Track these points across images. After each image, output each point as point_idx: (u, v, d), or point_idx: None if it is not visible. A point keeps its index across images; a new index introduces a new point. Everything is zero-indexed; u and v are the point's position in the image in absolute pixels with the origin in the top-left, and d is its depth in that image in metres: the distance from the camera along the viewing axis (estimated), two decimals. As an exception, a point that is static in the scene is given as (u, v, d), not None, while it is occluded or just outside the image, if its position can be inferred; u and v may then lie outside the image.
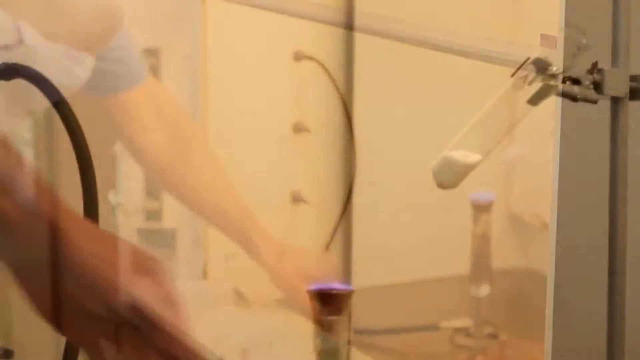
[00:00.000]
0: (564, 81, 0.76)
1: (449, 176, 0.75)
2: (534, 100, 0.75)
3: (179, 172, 1.29)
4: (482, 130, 0.74)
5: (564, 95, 0.76)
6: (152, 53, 1.50)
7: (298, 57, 1.64)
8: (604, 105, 0.79)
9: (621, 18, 0.81)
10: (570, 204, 0.96)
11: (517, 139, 1.43)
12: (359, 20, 1.07)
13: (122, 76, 1.16)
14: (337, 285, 0.82)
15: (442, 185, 0.77)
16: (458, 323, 1.34)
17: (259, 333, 1.39)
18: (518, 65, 0.75)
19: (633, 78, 0.79)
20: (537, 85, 0.75)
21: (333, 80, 1.48)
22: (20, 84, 0.65)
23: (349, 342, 0.85)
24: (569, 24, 0.75)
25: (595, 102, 0.78)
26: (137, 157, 1.24)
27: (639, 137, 0.81)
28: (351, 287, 0.82)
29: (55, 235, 0.53)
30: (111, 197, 1.39)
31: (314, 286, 0.83)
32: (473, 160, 0.74)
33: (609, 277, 0.77)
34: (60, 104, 0.68)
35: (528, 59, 0.76)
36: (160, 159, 1.27)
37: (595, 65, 0.78)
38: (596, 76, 0.78)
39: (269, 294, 1.53)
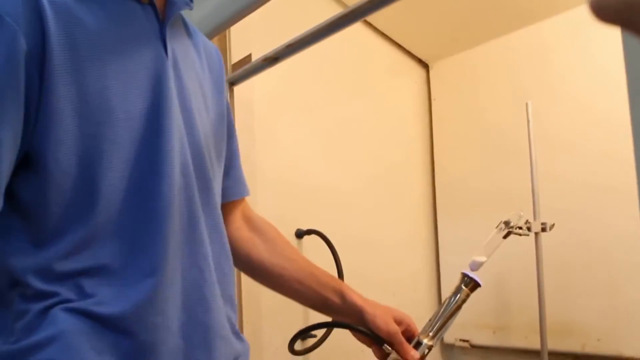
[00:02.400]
0: (516, 228, 2.03)
1: (475, 267, 2.01)
2: (505, 236, 2.02)
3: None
4: (487, 247, 2.01)
5: (515, 233, 2.04)
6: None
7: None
8: (532, 236, 2.07)
9: (537, 200, 2.10)
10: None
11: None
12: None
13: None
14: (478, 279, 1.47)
15: (471, 270, 2.02)
16: None
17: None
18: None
19: (542, 224, 2.08)
20: (505, 231, 2.02)
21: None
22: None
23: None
24: (516, 211, 2.03)
25: (527, 235, 2.06)
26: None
27: (546, 247, 2.09)
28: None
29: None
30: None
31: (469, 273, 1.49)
32: (484, 260, 2.00)
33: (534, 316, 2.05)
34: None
35: (502, 221, 2.03)
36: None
37: (527, 220, 2.06)
38: (528, 224, 2.06)
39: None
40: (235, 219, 1.36)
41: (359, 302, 1.38)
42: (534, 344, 2.21)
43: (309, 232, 2.40)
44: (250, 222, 1.40)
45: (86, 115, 0.95)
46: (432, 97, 2.80)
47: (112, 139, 0.97)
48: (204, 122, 1.13)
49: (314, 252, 2.38)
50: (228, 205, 1.32)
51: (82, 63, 0.95)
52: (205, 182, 1.10)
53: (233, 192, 1.33)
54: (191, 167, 1.06)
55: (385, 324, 1.37)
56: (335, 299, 1.38)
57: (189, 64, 1.13)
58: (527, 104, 2.15)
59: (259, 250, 1.38)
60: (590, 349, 2.29)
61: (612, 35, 2.24)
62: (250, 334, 2.27)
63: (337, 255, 2.32)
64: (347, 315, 1.39)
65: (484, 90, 2.61)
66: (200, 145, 1.09)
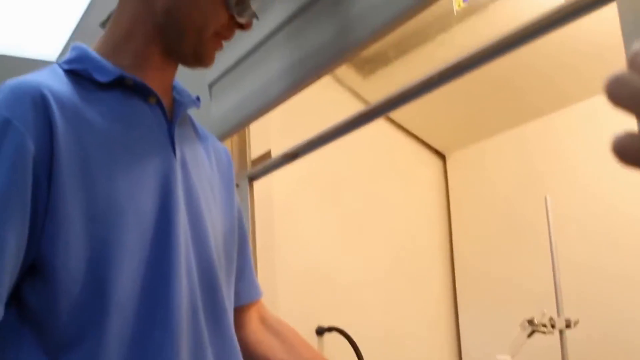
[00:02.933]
0: (540, 326, 2.00)
1: (501, 364, 1.97)
2: (529, 335, 1.99)
3: None
4: (512, 347, 1.97)
5: (540, 332, 2.00)
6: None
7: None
8: (556, 333, 2.04)
9: (560, 296, 2.07)
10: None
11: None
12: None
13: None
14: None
15: (499, 368, 1.99)
16: None
17: None
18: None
19: (566, 320, 2.04)
20: (529, 329, 1.99)
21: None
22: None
23: None
24: (540, 309, 2.00)
25: (552, 333, 2.03)
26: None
27: (571, 343, 2.05)
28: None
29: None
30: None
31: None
32: (508, 358, 1.96)
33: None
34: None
35: (525, 319, 2.00)
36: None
37: (550, 317, 2.03)
38: (552, 321, 2.02)
39: None
40: (250, 321, 1.33)
41: None
42: None
43: (330, 329, 2.37)
44: (266, 323, 1.37)
45: (95, 218, 0.95)
46: (450, 188, 2.81)
47: (122, 242, 0.96)
48: (215, 224, 1.13)
49: (336, 350, 2.34)
50: (242, 309, 1.30)
51: (90, 165, 0.96)
52: (211, 287, 1.08)
53: (246, 295, 1.30)
54: (195, 274, 1.05)
55: None
56: None
57: (198, 164, 1.13)
58: (545, 198, 2.14)
59: (276, 352, 1.34)
60: None
61: (626, 123, 2.24)
62: None
63: (360, 353, 2.29)
64: None
65: (501, 181, 2.62)
66: (208, 250, 1.09)
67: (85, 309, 0.94)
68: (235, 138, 2.26)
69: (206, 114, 2.04)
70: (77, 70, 1.04)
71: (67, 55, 1.08)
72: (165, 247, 1.00)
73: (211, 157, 1.21)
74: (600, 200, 2.30)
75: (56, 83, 1.00)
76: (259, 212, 2.30)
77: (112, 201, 0.97)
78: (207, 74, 2.07)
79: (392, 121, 2.76)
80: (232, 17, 1.12)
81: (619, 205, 2.25)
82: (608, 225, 2.27)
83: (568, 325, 2.06)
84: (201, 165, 1.15)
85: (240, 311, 1.29)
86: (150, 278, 0.98)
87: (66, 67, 1.05)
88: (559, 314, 2.07)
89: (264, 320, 1.37)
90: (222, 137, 2.06)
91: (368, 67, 2.50)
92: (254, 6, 1.14)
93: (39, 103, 0.95)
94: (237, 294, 1.25)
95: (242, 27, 1.15)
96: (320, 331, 2.38)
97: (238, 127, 2.06)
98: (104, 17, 2.87)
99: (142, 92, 1.07)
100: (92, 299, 0.94)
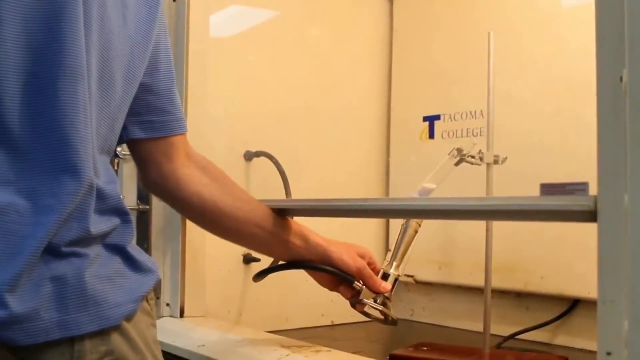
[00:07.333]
0: (469, 156, 1.98)
1: (424, 193, 1.95)
2: (457, 164, 1.97)
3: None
4: (437, 175, 1.95)
5: (467, 161, 1.99)
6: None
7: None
8: (484, 168, 2.03)
9: (492, 132, 2.04)
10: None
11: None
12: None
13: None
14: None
15: (420, 195, 1.97)
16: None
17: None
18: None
19: (495, 156, 2.03)
20: (457, 158, 1.97)
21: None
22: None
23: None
24: (470, 139, 1.98)
25: (479, 164, 2.01)
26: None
27: (498, 182, 2.05)
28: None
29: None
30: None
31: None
32: (433, 187, 1.95)
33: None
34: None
35: (454, 148, 1.98)
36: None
37: (480, 150, 2.01)
38: (481, 154, 2.01)
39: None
40: (177, 155, 1.23)
41: (322, 242, 1.34)
42: (479, 281, 2.17)
43: (258, 154, 2.33)
44: (192, 159, 1.27)
45: None
46: (394, 29, 2.73)
47: None
48: (115, 32, 1.02)
49: (263, 174, 2.32)
50: (168, 141, 1.21)
51: None
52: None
53: (173, 126, 1.20)
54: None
55: (353, 260, 1.33)
56: (297, 241, 1.33)
57: None
58: (489, 34, 2.08)
59: (210, 190, 1.25)
60: (533, 287, 2.27)
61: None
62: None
63: (286, 177, 2.25)
64: (310, 258, 1.33)
65: (446, 19, 2.56)
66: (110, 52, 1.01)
67: None
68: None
69: None
70: None
71: None
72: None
73: None
74: (543, 38, 2.27)
75: None
76: (194, 42, 2.17)
77: None
78: None
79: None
80: None
81: (561, 43, 2.22)
82: (548, 63, 2.25)
83: (496, 161, 2.05)
84: None
85: (164, 143, 1.20)
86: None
87: None
88: (488, 148, 2.06)
89: (190, 157, 1.27)
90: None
91: None
92: None
93: None
94: (161, 124, 1.16)
95: None
96: (249, 156, 2.34)
97: None
98: None
99: None
100: None
